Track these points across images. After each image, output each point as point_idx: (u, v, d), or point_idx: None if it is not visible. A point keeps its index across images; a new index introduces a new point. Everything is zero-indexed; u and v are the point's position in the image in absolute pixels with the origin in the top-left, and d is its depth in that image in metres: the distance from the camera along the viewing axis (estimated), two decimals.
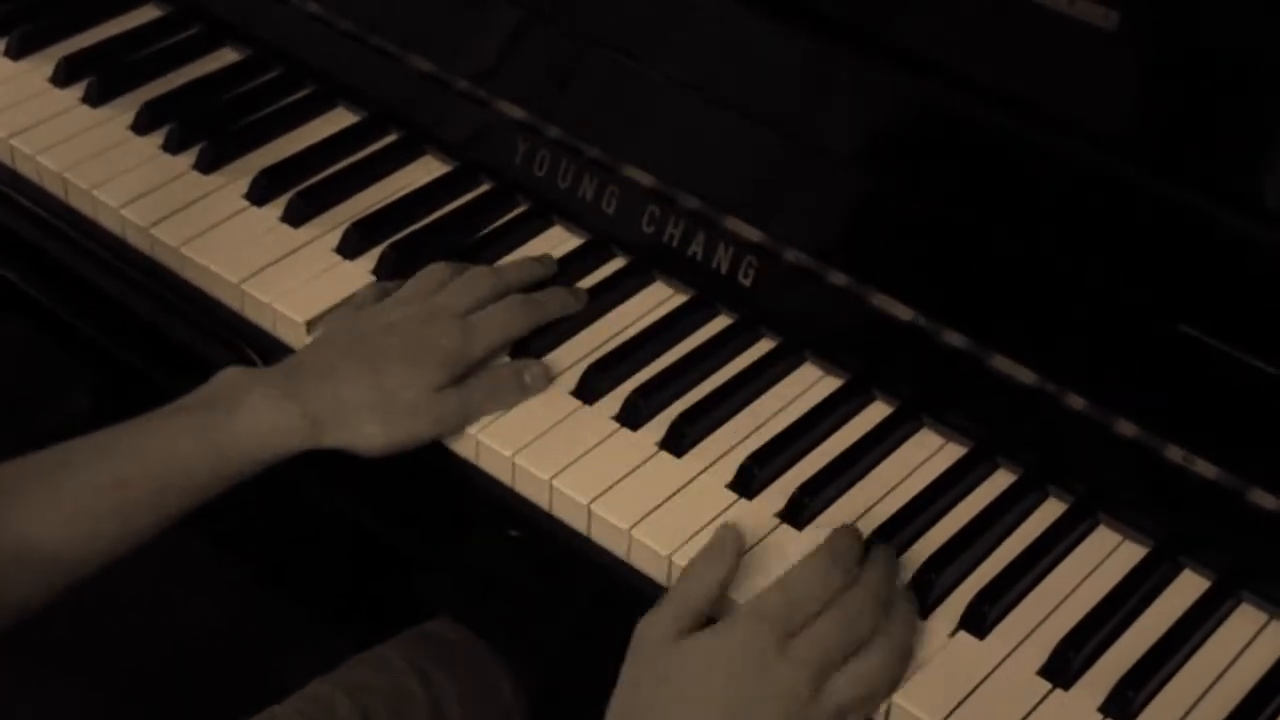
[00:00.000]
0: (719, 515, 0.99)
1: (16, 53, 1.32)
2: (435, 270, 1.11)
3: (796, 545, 0.98)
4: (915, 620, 0.94)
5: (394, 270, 1.13)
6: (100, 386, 1.04)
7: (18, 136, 1.24)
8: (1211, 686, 0.93)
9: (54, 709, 1.38)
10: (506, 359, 1.08)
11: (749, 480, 1.01)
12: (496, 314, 1.08)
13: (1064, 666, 0.92)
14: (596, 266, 1.15)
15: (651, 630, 0.92)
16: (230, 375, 1.03)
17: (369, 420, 1.01)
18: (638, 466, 1.02)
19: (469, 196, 1.21)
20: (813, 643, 0.90)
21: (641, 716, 0.92)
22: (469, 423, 1.04)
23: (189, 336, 1.15)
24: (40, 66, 1.31)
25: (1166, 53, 0.98)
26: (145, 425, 1.00)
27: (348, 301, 1.12)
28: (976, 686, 0.92)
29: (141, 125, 1.25)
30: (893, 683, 0.92)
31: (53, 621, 1.10)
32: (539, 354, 1.08)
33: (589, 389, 1.06)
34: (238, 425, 1.00)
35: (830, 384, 1.08)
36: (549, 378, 1.07)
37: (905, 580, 0.96)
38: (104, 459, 0.98)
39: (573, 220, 1.18)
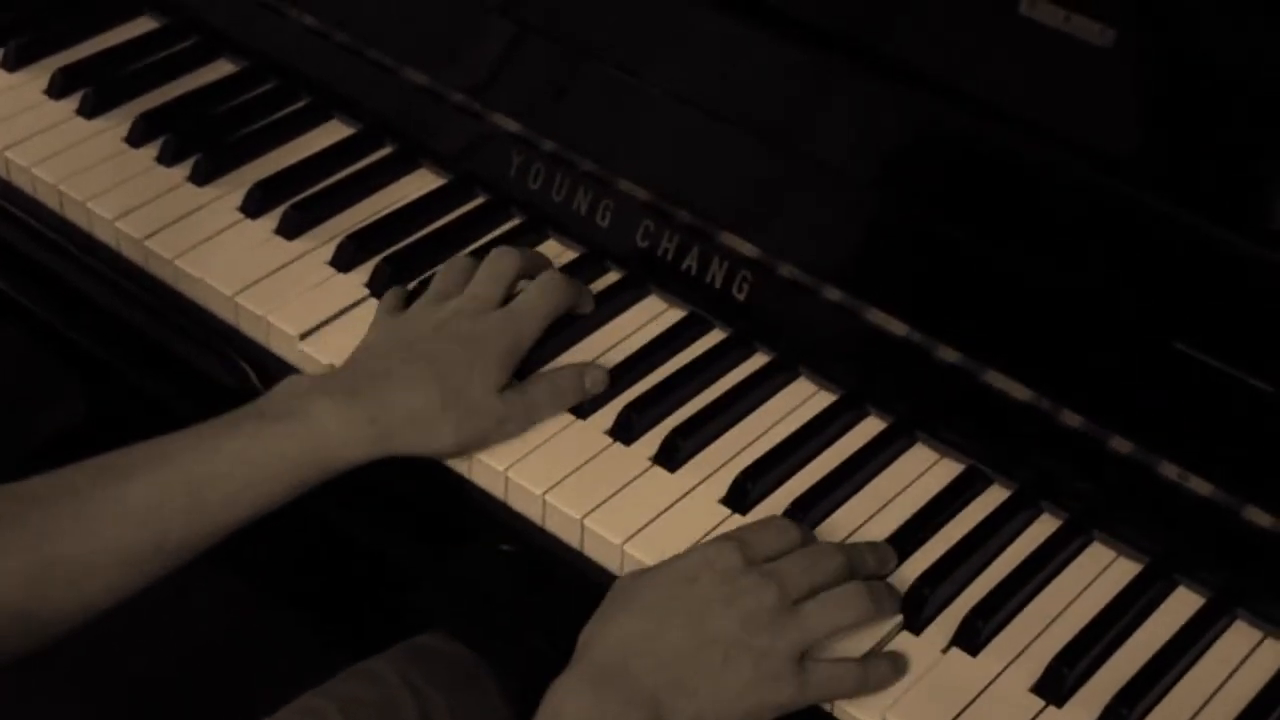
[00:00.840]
0: (712, 530, 0.99)
1: (12, 64, 1.32)
2: (458, 262, 1.12)
3: None
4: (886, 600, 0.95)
5: (389, 283, 1.13)
6: (95, 395, 1.03)
7: (12, 149, 1.24)
8: (1205, 704, 0.93)
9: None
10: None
11: (743, 495, 1.01)
12: (536, 297, 1.08)
13: (1057, 683, 0.92)
14: (591, 280, 1.15)
15: (625, 577, 0.95)
16: (295, 384, 1.03)
17: (439, 424, 1.01)
18: (631, 481, 1.02)
19: (464, 209, 1.21)
20: (778, 565, 0.93)
21: (602, 630, 0.92)
22: (533, 423, 1.04)
23: (183, 348, 1.15)
24: (36, 78, 1.31)
25: (1162, 70, 0.98)
26: (211, 433, 0.99)
27: (380, 307, 1.12)
28: (970, 703, 0.92)
29: (136, 137, 1.25)
30: (860, 621, 0.93)
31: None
32: (535, 367, 1.08)
33: (583, 404, 1.06)
34: (308, 436, 0.99)
35: (824, 399, 1.08)
36: (608, 382, 1.07)
37: (899, 595, 0.96)
38: (167, 465, 0.98)
39: (567, 233, 1.19)
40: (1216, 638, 0.96)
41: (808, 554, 0.95)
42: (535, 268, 1.13)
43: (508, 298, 1.09)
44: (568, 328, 1.11)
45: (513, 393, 1.04)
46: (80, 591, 0.96)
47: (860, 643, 0.94)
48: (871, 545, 0.98)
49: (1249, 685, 0.94)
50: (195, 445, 0.99)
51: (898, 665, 0.93)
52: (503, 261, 1.10)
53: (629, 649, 0.90)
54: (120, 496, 0.96)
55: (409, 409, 1.01)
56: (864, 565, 0.96)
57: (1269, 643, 0.96)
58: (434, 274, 1.12)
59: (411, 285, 1.14)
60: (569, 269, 1.16)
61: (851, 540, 0.99)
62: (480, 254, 1.16)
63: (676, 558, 0.95)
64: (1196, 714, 0.92)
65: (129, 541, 0.96)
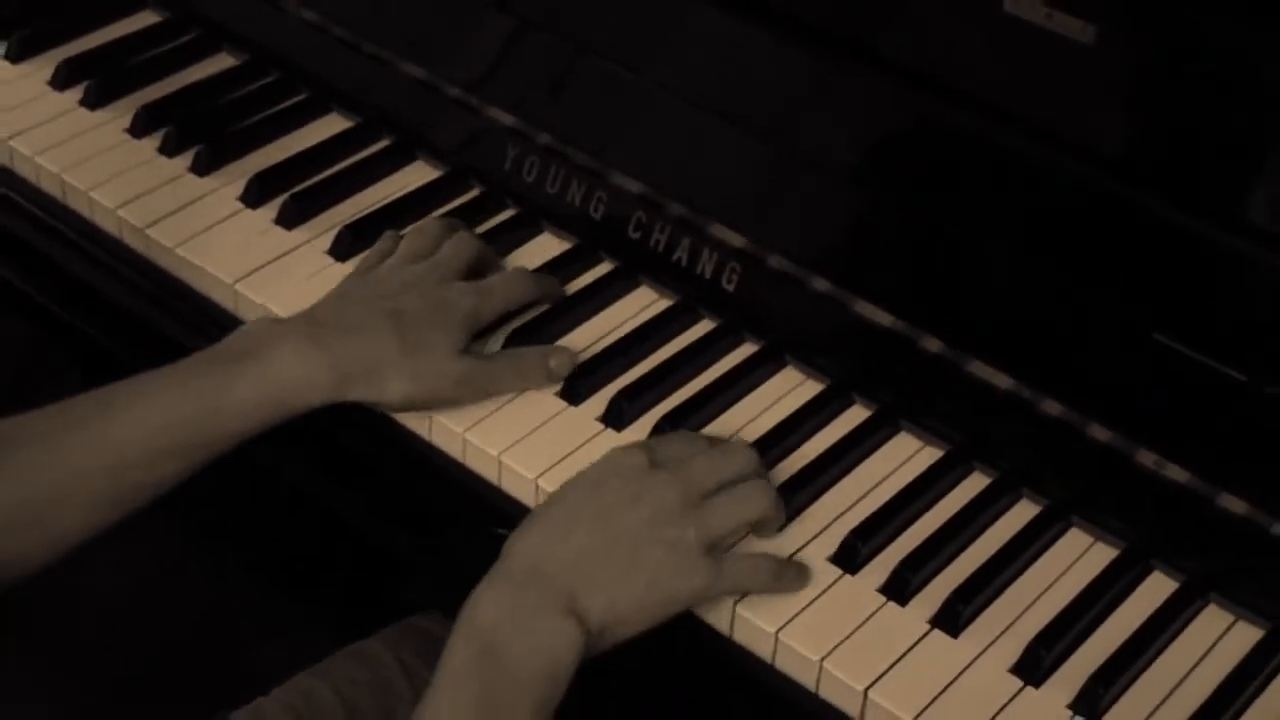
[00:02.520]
0: None
1: (16, 56, 1.33)
2: (429, 225, 1.14)
3: (776, 544, 0.99)
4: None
5: None
6: (95, 381, 1.04)
7: (17, 138, 1.25)
8: (1179, 685, 0.94)
9: (43, 700, 1.38)
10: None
11: None
12: (505, 281, 1.10)
13: (1035, 664, 0.93)
14: (583, 271, 1.16)
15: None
16: (258, 325, 1.04)
17: (395, 376, 1.03)
18: None
19: (459, 201, 1.21)
20: (681, 463, 0.96)
21: (518, 539, 0.94)
22: (489, 395, 1.06)
23: (184, 335, 1.15)
24: (40, 70, 1.31)
25: (1144, 66, 0.99)
26: (176, 375, 1.00)
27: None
28: (949, 684, 0.92)
29: (139, 128, 1.25)
30: (765, 515, 0.96)
31: (41, 613, 1.10)
32: None
33: (575, 390, 1.07)
34: (272, 373, 1.00)
35: (811, 388, 1.09)
36: (574, 365, 1.08)
37: (882, 579, 0.97)
38: (133, 407, 0.99)
39: (560, 225, 1.19)
40: (1190, 620, 0.97)
41: (713, 452, 0.98)
42: (491, 264, 1.15)
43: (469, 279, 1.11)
44: (562, 316, 1.12)
45: (475, 359, 1.06)
46: (47, 531, 0.97)
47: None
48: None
49: (1221, 667, 0.94)
50: (162, 387, 1.00)
51: (806, 574, 0.96)
52: (467, 241, 1.12)
53: (541, 554, 0.92)
54: (88, 438, 0.98)
55: (369, 357, 1.03)
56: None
57: (1240, 625, 0.97)
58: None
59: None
60: (562, 259, 1.17)
61: (835, 527, 1.00)
62: None
63: (586, 468, 0.97)
64: (1170, 694, 0.93)
65: (95, 482, 0.98)
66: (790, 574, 0.96)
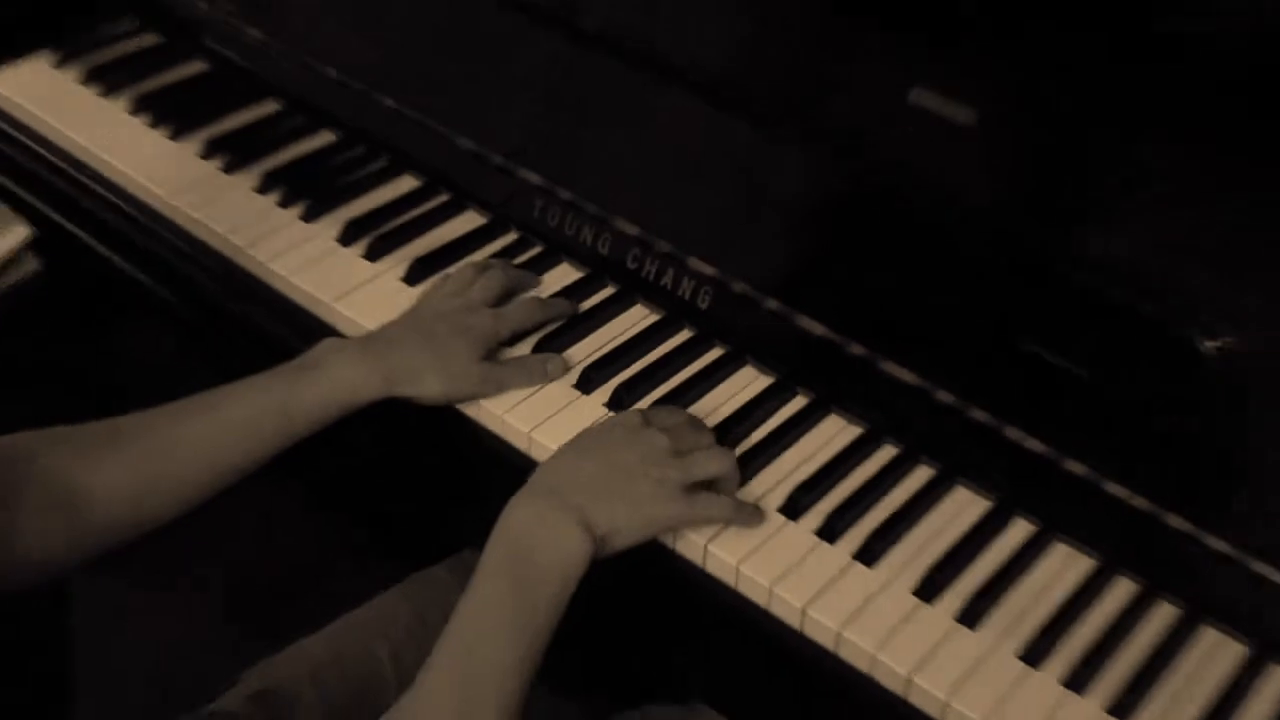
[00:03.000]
0: None
1: (177, 134, 1.29)
2: (465, 270, 1.13)
3: (740, 498, 0.99)
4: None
5: None
6: (222, 372, 1.05)
7: (192, 205, 1.22)
8: (1039, 597, 0.95)
9: (175, 618, 1.39)
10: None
11: None
12: (518, 308, 1.10)
13: (931, 588, 0.94)
14: (593, 293, 1.16)
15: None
16: (326, 343, 1.04)
17: (428, 378, 1.03)
18: None
19: (500, 242, 1.21)
20: (667, 425, 0.97)
21: (543, 470, 0.94)
22: (503, 391, 1.05)
23: (292, 339, 1.12)
24: (191, 145, 1.28)
25: (1012, 142, 0.99)
26: (263, 380, 1.01)
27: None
28: (868, 601, 0.93)
29: (263, 186, 1.24)
30: (725, 473, 0.97)
31: (179, 550, 1.11)
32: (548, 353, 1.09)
33: (586, 382, 1.07)
34: (331, 378, 1.00)
35: (764, 381, 1.09)
36: (566, 368, 1.08)
37: (818, 525, 0.97)
38: (233, 405, 0.99)
39: (575, 258, 1.18)
40: (1041, 553, 0.98)
41: (695, 423, 1.00)
42: (521, 284, 1.14)
43: (500, 303, 1.11)
44: (576, 327, 1.11)
45: (491, 365, 1.06)
46: (173, 496, 0.97)
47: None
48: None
49: (1065, 588, 0.96)
50: (252, 389, 1.00)
51: (760, 514, 0.97)
52: (495, 279, 1.12)
53: (560, 477, 0.93)
54: (198, 429, 0.97)
55: (409, 364, 1.03)
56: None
57: (1066, 549, 0.98)
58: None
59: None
60: (576, 285, 1.16)
61: (783, 485, 1.00)
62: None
63: (599, 422, 0.99)
64: (1027, 608, 0.94)
65: (204, 460, 0.97)
66: (746, 511, 0.97)
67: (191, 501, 0.97)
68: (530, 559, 0.88)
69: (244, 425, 0.98)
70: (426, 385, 1.03)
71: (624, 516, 0.92)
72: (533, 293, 1.16)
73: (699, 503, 0.95)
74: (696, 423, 1.02)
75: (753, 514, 0.97)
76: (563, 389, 1.07)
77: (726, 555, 0.96)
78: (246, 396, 0.99)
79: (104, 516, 0.94)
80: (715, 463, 0.97)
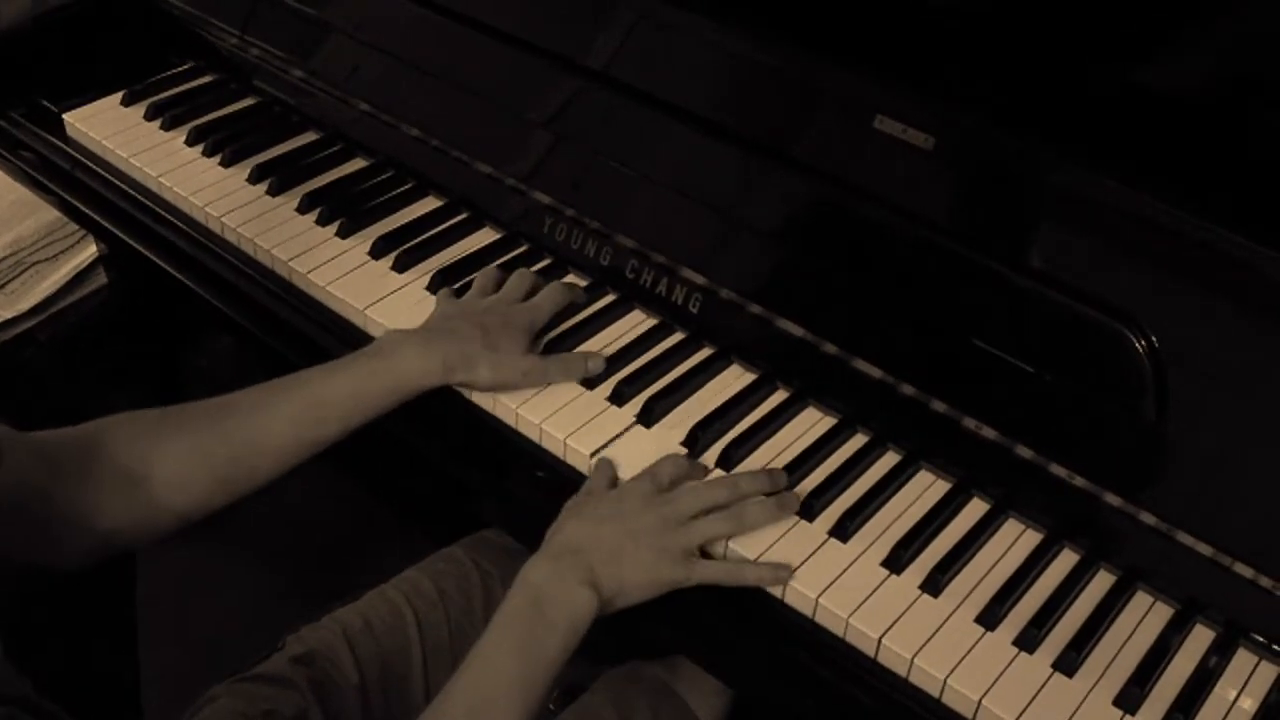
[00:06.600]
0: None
1: (228, 162, 1.29)
2: (489, 272, 1.13)
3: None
4: (768, 511, 0.95)
5: None
6: (270, 371, 1.04)
7: (241, 224, 1.22)
8: (992, 568, 0.95)
9: (225, 591, 1.39)
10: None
11: (694, 440, 1.02)
12: (548, 295, 1.10)
13: (897, 560, 0.94)
14: (596, 300, 1.15)
15: (573, 500, 0.96)
16: (390, 335, 1.04)
17: (484, 366, 1.02)
18: (620, 433, 1.03)
19: (513, 254, 1.20)
20: (677, 494, 0.94)
21: (559, 529, 0.93)
22: (546, 382, 1.05)
23: (332, 345, 1.14)
24: (241, 171, 1.29)
25: (966, 165, 0.99)
26: (333, 366, 1.00)
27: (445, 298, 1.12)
28: (842, 573, 0.93)
29: (303, 207, 1.24)
30: (731, 534, 0.93)
31: (243, 526, 1.11)
32: (562, 351, 1.09)
33: (590, 380, 1.07)
34: (399, 367, 1.00)
35: (748, 377, 1.08)
36: (604, 366, 1.07)
37: (798, 506, 0.96)
38: (304, 390, 0.98)
39: (580, 269, 1.18)
40: (999, 527, 0.98)
41: (699, 487, 0.95)
42: (542, 283, 1.14)
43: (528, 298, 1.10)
44: (581, 330, 1.11)
45: (536, 357, 1.05)
46: (254, 472, 0.97)
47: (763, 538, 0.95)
48: (752, 474, 0.97)
49: (1016, 558, 0.96)
50: (324, 376, 0.99)
51: (756, 569, 0.93)
52: (523, 278, 1.12)
53: (577, 540, 0.91)
54: (274, 411, 0.97)
55: (466, 353, 1.02)
56: (748, 489, 0.96)
57: (1028, 533, 0.98)
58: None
59: (457, 286, 1.14)
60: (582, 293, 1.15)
61: (766, 467, 0.99)
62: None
63: (612, 490, 0.96)
64: (983, 577, 0.94)
65: (281, 441, 0.97)
66: (742, 571, 0.93)
67: (259, 484, 0.97)
68: (544, 611, 0.88)
69: (317, 409, 0.97)
70: (480, 374, 1.02)
71: (630, 581, 0.91)
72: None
73: (697, 568, 0.93)
74: (709, 482, 0.98)
75: (744, 570, 0.93)
76: (570, 386, 1.07)
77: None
78: (321, 382, 0.98)
79: (180, 495, 0.93)
80: (720, 528, 0.94)
